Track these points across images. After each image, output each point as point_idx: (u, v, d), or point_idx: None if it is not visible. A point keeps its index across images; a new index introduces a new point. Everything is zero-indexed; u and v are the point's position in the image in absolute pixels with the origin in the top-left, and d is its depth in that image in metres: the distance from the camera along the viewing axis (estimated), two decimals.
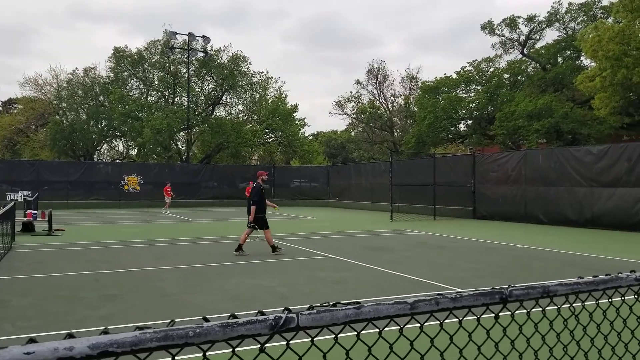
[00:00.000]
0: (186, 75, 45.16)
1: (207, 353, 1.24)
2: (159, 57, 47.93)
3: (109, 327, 5.80)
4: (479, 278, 9.83)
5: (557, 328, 1.75)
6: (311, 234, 18.26)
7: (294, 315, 1.34)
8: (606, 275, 1.79)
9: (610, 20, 30.40)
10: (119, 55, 47.38)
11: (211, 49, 46.95)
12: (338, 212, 32.42)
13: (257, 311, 1.32)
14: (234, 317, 1.28)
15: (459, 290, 5.22)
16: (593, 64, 30.42)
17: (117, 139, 53.12)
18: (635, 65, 25.66)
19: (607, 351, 2.10)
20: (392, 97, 58.53)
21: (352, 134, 66.25)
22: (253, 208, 12.91)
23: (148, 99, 49.47)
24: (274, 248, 12.86)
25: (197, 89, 48.58)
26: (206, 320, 1.23)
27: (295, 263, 11.59)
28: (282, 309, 1.35)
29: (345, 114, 60.50)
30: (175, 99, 49.56)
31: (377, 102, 58.42)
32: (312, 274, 10.10)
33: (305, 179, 42.16)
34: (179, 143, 50.19)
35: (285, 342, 1.37)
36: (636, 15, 26.46)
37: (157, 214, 29.85)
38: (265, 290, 8.58)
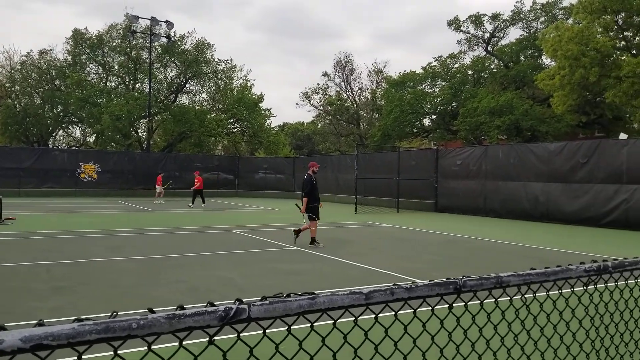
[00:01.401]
0: (148, 61, 44.13)
1: (153, 346, 1.20)
2: (119, 41, 46.68)
3: (58, 319, 5.63)
4: (436, 269, 9.99)
5: (508, 318, 1.77)
6: (274, 226, 18.20)
7: (245, 306, 1.31)
8: (557, 267, 1.82)
9: (570, 21, 31.20)
10: (78, 37, 45.93)
11: (174, 34, 46.06)
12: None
13: (207, 302, 1.28)
14: (182, 308, 1.23)
15: (416, 280, 5.11)
16: (553, 63, 31.18)
17: (74, 125, 51.56)
18: (592, 66, 26.41)
19: (556, 340, 2.14)
20: (359, 90, 58.83)
21: (319, 126, 66.28)
22: (305, 199, 13.00)
23: (107, 84, 48.12)
24: (313, 240, 12.90)
25: (160, 76, 47.57)
26: (151, 311, 1.18)
27: (256, 255, 11.52)
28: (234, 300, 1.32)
29: (312, 105, 60.52)
30: (136, 85, 48.41)
31: (344, 94, 58.60)
32: (272, 266, 10.06)
33: (271, 171, 41.91)
34: (139, 131, 49.16)
35: (236, 334, 1.33)
36: (595, 17, 27.22)
37: (115, 203, 29.23)
38: (223, 282, 8.50)
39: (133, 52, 46.45)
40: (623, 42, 28.57)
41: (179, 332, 1.19)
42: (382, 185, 28.74)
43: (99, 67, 47.87)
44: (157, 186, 31.63)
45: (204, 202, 27.88)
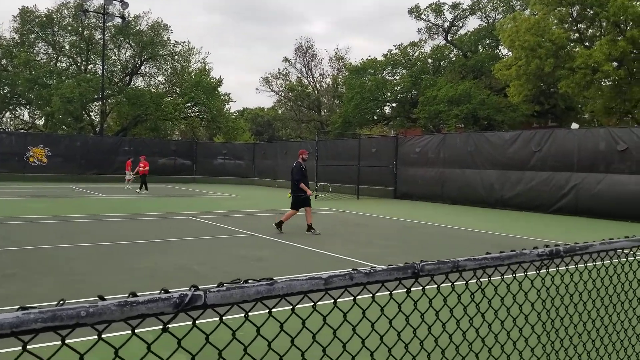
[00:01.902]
0: (101, 41, 42.73)
1: (105, 335, 1.15)
2: (71, 20, 44.99)
3: (5, 308, 5.44)
4: (395, 255, 10.13)
5: (464, 301, 1.79)
6: (233, 212, 18.07)
7: (201, 293, 1.28)
8: (511, 251, 1.86)
9: (527, 12, 31.87)
10: (26, 16, 44.05)
11: (129, 15, 44.75)
12: (263, 191, 32.27)
13: (161, 289, 1.24)
14: (134, 295, 1.19)
15: (375, 266, 5.15)
16: (510, 53, 31.85)
17: (22, 107, 49.56)
18: (547, 57, 27.10)
19: (509, 323, 2.19)
20: (320, 77, 58.75)
21: (280, 112, 65.94)
22: (303, 185, 12.98)
23: (58, 65, 46.32)
24: (279, 224, 12.88)
25: (114, 57, 46.15)
26: (102, 299, 1.14)
27: (215, 241, 11.41)
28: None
29: (272, 91, 60.13)
30: (89, 67, 46.84)
31: (305, 80, 58.41)
32: (232, 252, 9.99)
33: (230, 156, 41.46)
34: (92, 114, 47.71)
35: (192, 321, 1.30)
36: (551, 9, 27.88)
37: (67, 188, 28.40)
38: (182, 269, 8.39)
39: (85, 32, 44.89)
40: (577, 34, 29.41)
41: (131, 319, 1.15)
42: (342, 172, 28.88)
43: (49, 47, 46.07)
44: (126, 171, 30.88)
45: (146, 189, 26.71)
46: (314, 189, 24.25)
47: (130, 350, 1.40)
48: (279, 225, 12.93)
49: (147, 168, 26.98)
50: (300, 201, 13.06)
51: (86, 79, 42.22)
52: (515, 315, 2.13)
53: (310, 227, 12.87)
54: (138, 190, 26.48)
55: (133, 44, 45.76)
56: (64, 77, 43.79)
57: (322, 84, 58.72)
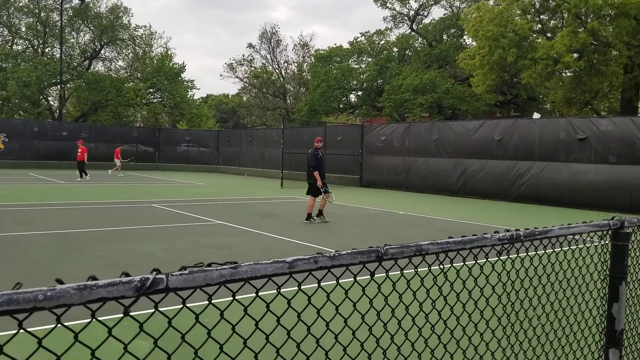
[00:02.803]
0: (59, 23, 41.37)
1: (67, 323, 1.12)
2: (27, 1, 43.41)
3: None
4: (360, 242, 10.21)
5: (427, 285, 1.82)
6: (198, 200, 17.88)
7: (163, 276, 1.26)
8: (473, 235, 1.89)
9: (491, 2, 32.29)
10: None
11: None
12: (228, 178, 32.01)
13: (122, 273, 1.22)
14: (94, 279, 1.17)
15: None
16: (474, 43, 32.27)
17: None
18: (510, 47, 27.56)
19: (471, 305, 2.24)
20: (285, 64, 58.31)
21: (245, 99, 65.28)
22: (316, 173, 12.78)
23: (13, 47, 44.68)
24: (309, 216, 12.68)
25: (72, 40, 44.76)
26: (60, 282, 1.11)
27: (179, 229, 11.28)
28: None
29: (237, 77, 59.42)
30: (46, 50, 45.32)
31: (270, 67, 57.91)
32: (196, 240, 9.90)
33: (194, 144, 40.92)
34: (50, 99, 46.32)
35: (153, 305, 1.28)
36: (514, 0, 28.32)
37: (25, 175, 27.59)
38: (145, 257, 8.27)
39: (42, 14, 43.36)
40: (539, 25, 29.98)
41: (90, 303, 1.12)
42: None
43: (4, 28, 44.28)
44: (115, 159, 30.87)
45: (86, 175, 24.99)
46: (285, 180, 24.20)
47: (91, 335, 1.38)
48: (309, 217, 12.74)
49: (84, 154, 24.93)
50: (315, 188, 12.88)
51: (43, 63, 40.88)
52: (477, 299, 2.17)
53: (310, 217, 12.78)
54: (79, 179, 24.66)
55: (92, 27, 44.47)
56: (20, 61, 42.32)
57: (288, 71, 58.42)
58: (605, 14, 25.43)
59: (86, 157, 25.03)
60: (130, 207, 15.08)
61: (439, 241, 1.76)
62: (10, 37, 44.67)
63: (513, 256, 2.22)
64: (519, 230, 2.09)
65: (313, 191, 12.95)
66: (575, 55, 26.40)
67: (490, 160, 21.03)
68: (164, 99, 48.55)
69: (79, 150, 24.98)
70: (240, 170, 36.76)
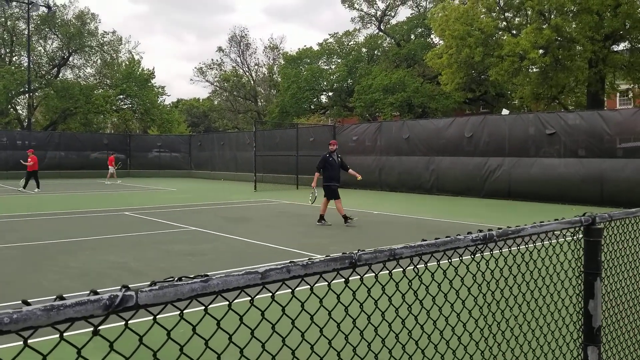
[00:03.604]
0: (26, 32, 40.56)
1: (33, 340, 1.09)
2: None
3: None
4: (334, 244, 10.21)
5: (402, 289, 1.81)
6: (170, 206, 17.66)
7: (133, 293, 1.22)
8: (446, 237, 1.89)
9: (456, 1, 32.70)
10: None
11: (54, 4, 42.65)
12: (201, 183, 31.73)
13: (89, 291, 1.18)
14: (62, 298, 1.13)
15: (317, 256, 5.31)
16: (442, 42, 32.62)
17: None
18: (477, 45, 27.95)
19: (447, 309, 2.24)
20: (255, 66, 58.13)
21: (215, 103, 64.84)
22: (316, 174, 13.05)
23: None
24: (345, 218, 12.61)
25: (39, 48, 43.96)
26: (26, 303, 1.07)
27: (151, 237, 11.12)
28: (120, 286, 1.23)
29: (207, 81, 59.01)
30: (14, 59, 44.44)
31: (241, 70, 57.66)
32: (168, 248, 9.76)
33: (165, 149, 40.47)
34: (18, 108, 45.38)
35: (124, 322, 1.24)
36: None
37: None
38: (117, 267, 8.12)
39: (8, 22, 42.48)
40: (504, 23, 30.47)
41: (58, 324, 1.09)
42: (281, 162, 28.81)
43: None
44: (109, 167, 30.90)
45: (38, 187, 23.81)
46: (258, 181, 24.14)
47: (59, 356, 1.33)
48: (346, 219, 12.69)
49: (35, 163, 23.70)
50: (329, 191, 12.82)
51: (11, 71, 40.04)
52: (453, 301, 2.18)
53: (321, 218, 12.79)
54: (22, 188, 23.53)
55: (59, 35, 43.69)
56: None
57: (258, 73, 58.24)
58: (568, 10, 25.99)
59: (36, 166, 23.89)
60: (103, 215, 14.82)
61: (412, 244, 1.76)
62: None
63: (487, 254, 2.24)
64: (491, 230, 2.10)
65: (329, 194, 12.87)
66: (541, 51, 26.92)
67: (461, 157, 21.27)
68: (134, 105, 48.00)
69: (29, 159, 23.76)
70: (214, 175, 36.49)
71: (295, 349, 1.61)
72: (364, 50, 44.98)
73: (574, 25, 26.23)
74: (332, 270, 1.55)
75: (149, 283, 1.25)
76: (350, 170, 13.58)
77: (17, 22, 42.91)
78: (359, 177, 13.91)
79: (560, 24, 25.22)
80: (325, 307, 1.63)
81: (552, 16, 26.50)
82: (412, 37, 42.67)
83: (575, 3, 25.05)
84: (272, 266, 1.44)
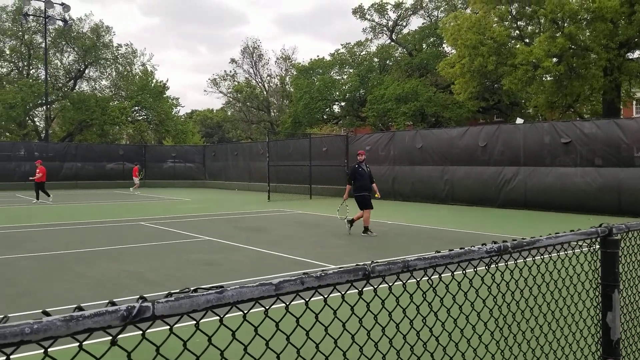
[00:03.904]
0: (43, 45, 41.30)
1: (52, 349, 1.11)
2: (10, 24, 43.35)
3: None
4: (348, 254, 10.19)
5: (416, 300, 1.81)
6: (185, 216, 17.76)
7: (149, 304, 1.24)
8: (461, 249, 1.89)
9: (468, 10, 32.69)
10: None
11: (69, 17, 43.41)
12: (215, 193, 31.89)
13: (108, 301, 1.21)
14: (80, 309, 1.16)
15: (331, 266, 5.31)
16: (454, 51, 32.58)
17: None
18: (489, 54, 27.87)
19: (462, 320, 2.23)
20: (268, 77, 58.49)
21: (229, 113, 65.30)
22: (347, 187, 13.05)
23: None
24: (366, 229, 12.66)
25: (56, 61, 44.74)
26: (46, 314, 1.10)
27: (167, 247, 11.19)
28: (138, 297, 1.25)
29: (221, 92, 59.51)
30: (31, 71, 45.26)
31: (254, 81, 58.06)
32: (184, 258, 9.82)
33: (180, 159, 40.83)
34: (36, 119, 46.10)
35: (141, 333, 1.26)
36: (490, 7, 28.69)
37: (12, 197, 27.25)
38: (133, 276, 8.18)
39: (26, 36, 43.31)
40: (517, 32, 30.37)
41: (77, 334, 1.12)
42: (294, 172, 28.88)
43: None
44: (134, 177, 31.82)
45: (48, 196, 23.87)
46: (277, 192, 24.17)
47: None
48: (366, 230, 12.73)
49: (43, 174, 23.77)
50: (361, 200, 12.81)
51: (28, 84, 40.77)
52: (468, 313, 2.17)
53: (366, 230, 12.74)
54: (35, 201, 23.62)
55: (75, 48, 44.44)
56: (4, 83, 42.17)
57: (271, 84, 58.57)
58: (581, 19, 25.83)
59: (45, 178, 23.90)
60: (119, 225, 14.94)
61: (426, 256, 1.76)
62: None
63: (502, 266, 2.23)
64: (506, 241, 2.09)
65: (361, 204, 12.85)
66: (555, 59, 26.75)
67: (476, 167, 21.14)
68: (149, 117, 48.55)
69: (37, 170, 23.84)
70: (227, 185, 36.66)
71: None
72: (375, 60, 45.05)
73: (588, 34, 26.06)
74: (345, 282, 1.55)
75: (165, 294, 1.27)
76: (374, 185, 13.41)
77: (34, 35, 43.74)
78: (378, 195, 13.75)
79: (574, 32, 25.08)
80: (339, 318, 1.64)
81: (566, 24, 26.36)
82: (424, 46, 42.66)
83: (589, 11, 24.91)
84: (286, 278, 1.45)
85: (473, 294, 2.19)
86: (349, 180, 13.25)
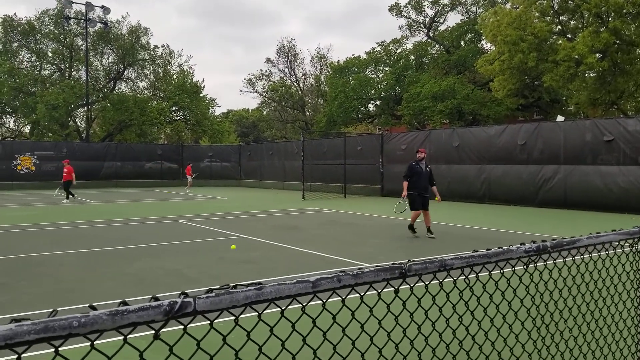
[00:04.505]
0: (84, 47, 42.50)
1: (98, 342, 1.16)
2: (52, 27, 44.74)
3: None
4: (383, 253, 10.15)
5: (453, 300, 1.81)
6: (222, 214, 18.01)
7: (191, 300, 1.29)
8: (498, 248, 1.87)
9: (508, 5, 32.07)
10: (8, 24, 43.71)
11: (109, 20, 44.54)
12: (250, 192, 32.21)
13: (151, 297, 1.25)
14: (125, 304, 1.20)
15: (366, 265, 5.50)
16: (493, 47, 32.02)
17: (7, 116, 49.30)
18: (530, 50, 27.29)
19: (499, 320, 2.21)
20: (303, 76, 58.67)
21: (264, 113, 65.80)
22: (405, 183, 12.65)
23: (42, 72, 46.10)
24: (411, 228, 12.55)
25: (96, 63, 45.98)
26: (93, 308, 1.15)
27: (204, 244, 11.37)
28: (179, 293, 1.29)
29: (256, 92, 59.99)
30: (73, 73, 46.61)
31: (289, 80, 58.33)
32: (221, 255, 9.96)
33: (216, 159, 41.43)
34: (77, 120, 47.46)
35: (182, 327, 1.31)
36: (532, 2, 28.09)
37: (52, 195, 28.13)
38: (171, 274, 8.35)
39: (67, 39, 44.64)
40: (559, 27, 29.64)
41: (122, 328, 1.16)
42: (329, 171, 28.92)
43: (32, 54, 45.76)
44: (187, 176, 32.44)
45: (72, 196, 24.06)
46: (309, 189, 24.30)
47: (122, 357, 1.41)
48: (411, 228, 12.59)
49: (70, 173, 23.46)
50: (412, 200, 12.55)
51: (70, 86, 41.98)
52: (505, 312, 2.15)
53: (428, 230, 12.49)
54: (66, 200, 23.52)
55: (114, 49, 45.59)
56: (48, 85, 43.56)
57: (306, 83, 58.73)
58: (627, 13, 25.04)
59: (74, 177, 23.85)
60: (157, 223, 15.26)
61: (464, 255, 1.75)
62: (38, 63, 46.09)
63: (540, 265, 2.19)
64: (545, 241, 2.06)
65: (412, 204, 12.61)
66: (598, 55, 26.01)
67: (514, 165, 20.76)
68: (186, 117, 49.39)
69: (65, 170, 23.69)
70: (262, 184, 36.99)
71: (346, 357, 1.63)
72: (412, 57, 44.66)
73: (633, 28, 25.25)
74: (382, 280, 1.57)
75: (205, 290, 1.31)
76: (434, 188, 13.03)
77: (75, 38, 44.99)
78: (438, 199, 13.34)
79: (619, 26, 24.33)
80: (376, 316, 1.65)
81: (610, 19, 25.59)
82: (461, 43, 42.07)
83: (635, 5, 24.11)
84: (323, 275, 1.47)
85: (510, 294, 2.17)
86: (404, 177, 12.87)
